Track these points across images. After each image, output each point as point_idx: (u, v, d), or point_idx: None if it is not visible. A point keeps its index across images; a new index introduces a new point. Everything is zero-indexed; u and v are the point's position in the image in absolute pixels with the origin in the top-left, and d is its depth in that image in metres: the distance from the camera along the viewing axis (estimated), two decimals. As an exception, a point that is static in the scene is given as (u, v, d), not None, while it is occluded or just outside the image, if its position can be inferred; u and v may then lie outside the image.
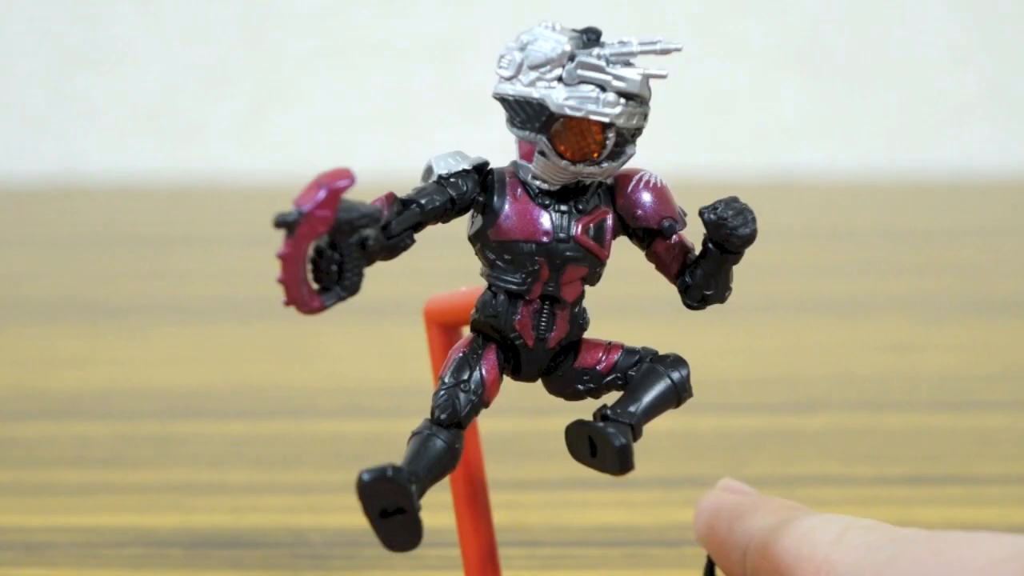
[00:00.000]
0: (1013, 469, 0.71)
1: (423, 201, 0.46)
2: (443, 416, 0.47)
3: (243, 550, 0.61)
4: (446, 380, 0.47)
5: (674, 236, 0.47)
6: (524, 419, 0.74)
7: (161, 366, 0.87)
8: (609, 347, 0.48)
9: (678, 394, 0.48)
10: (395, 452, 0.73)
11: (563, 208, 0.46)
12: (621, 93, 0.44)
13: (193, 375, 0.85)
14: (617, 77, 0.44)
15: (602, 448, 0.46)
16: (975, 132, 1.42)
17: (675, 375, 0.48)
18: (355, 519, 0.65)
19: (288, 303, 0.44)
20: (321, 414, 0.79)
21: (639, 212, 0.46)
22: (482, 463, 0.53)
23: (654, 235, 0.47)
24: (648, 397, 0.47)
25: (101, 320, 0.97)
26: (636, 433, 0.47)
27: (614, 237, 0.47)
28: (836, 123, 1.42)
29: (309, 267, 0.43)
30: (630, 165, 0.46)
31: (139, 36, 1.41)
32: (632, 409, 0.47)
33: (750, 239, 0.46)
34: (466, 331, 0.49)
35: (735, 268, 0.49)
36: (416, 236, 0.47)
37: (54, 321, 0.97)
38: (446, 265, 0.79)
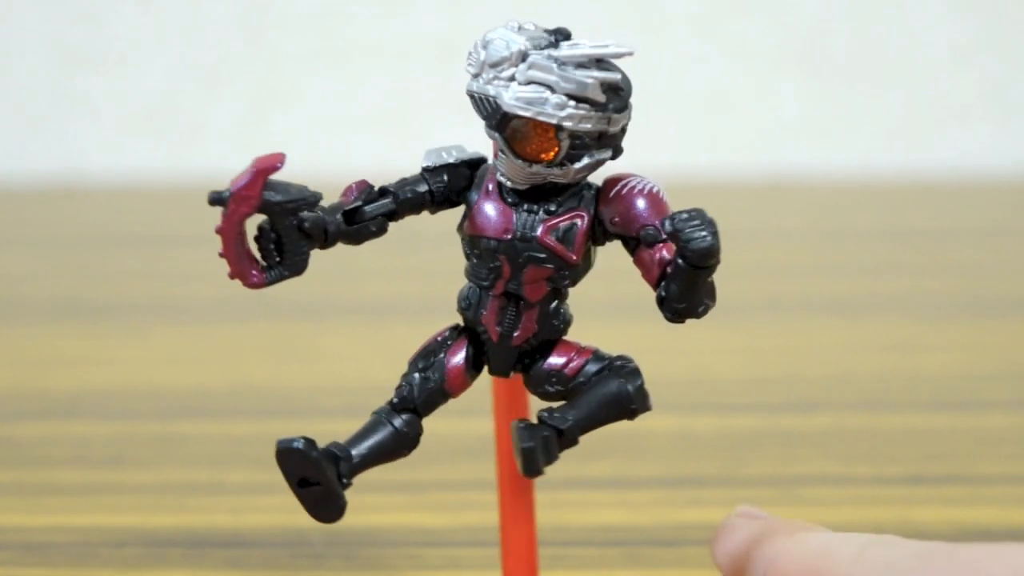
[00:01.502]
0: (1013, 469, 0.71)
1: (398, 191, 0.47)
2: (395, 400, 0.48)
3: (243, 550, 0.61)
4: (408, 367, 0.48)
5: (656, 245, 0.46)
6: (524, 419, 0.74)
7: (161, 366, 0.87)
8: (580, 351, 0.47)
9: (627, 405, 0.46)
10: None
11: (530, 208, 0.46)
12: (570, 95, 0.44)
13: (193, 375, 0.85)
14: (566, 79, 0.44)
15: (515, 447, 0.46)
16: (975, 132, 1.42)
17: (625, 386, 0.46)
18: (355, 519, 0.65)
19: (232, 276, 0.46)
20: (321, 414, 0.79)
21: (616, 218, 0.46)
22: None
23: (637, 242, 0.46)
24: (592, 405, 0.46)
25: (101, 320, 0.97)
26: (567, 438, 0.46)
27: (595, 241, 0.46)
28: (836, 123, 1.42)
29: (254, 245, 0.46)
30: (628, 169, 0.46)
31: (139, 36, 1.41)
32: (570, 415, 0.46)
33: (706, 252, 0.43)
34: None
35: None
36: (393, 224, 0.47)
37: (54, 321, 0.97)
38: (446, 265, 0.79)
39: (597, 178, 0.47)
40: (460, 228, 0.47)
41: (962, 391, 0.82)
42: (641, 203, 0.46)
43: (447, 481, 0.69)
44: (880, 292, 1.03)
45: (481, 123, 0.45)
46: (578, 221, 0.46)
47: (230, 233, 0.45)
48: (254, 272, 0.46)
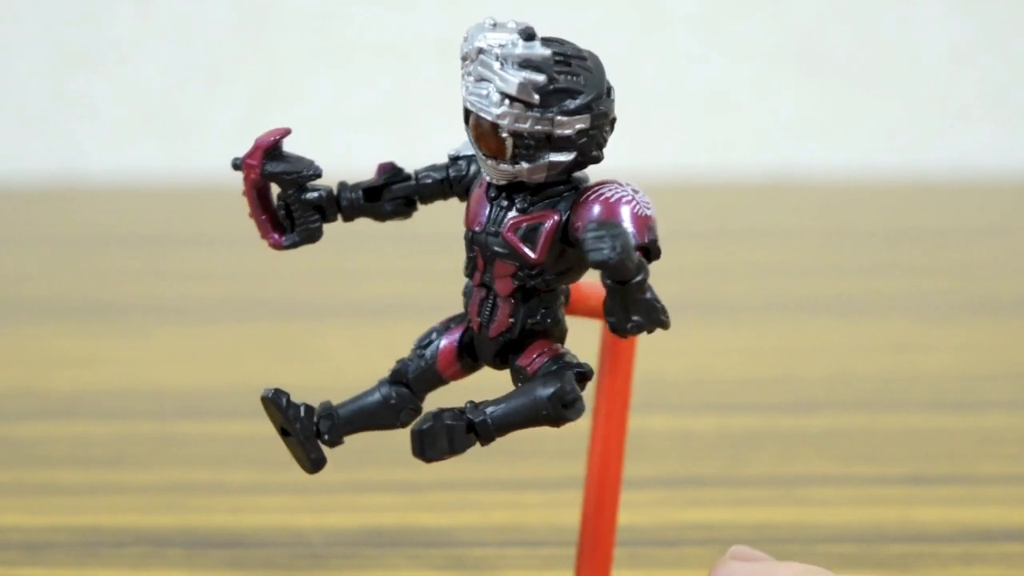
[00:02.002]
0: (1013, 469, 0.71)
1: (419, 175, 0.49)
2: (391, 371, 0.49)
3: (243, 550, 0.61)
4: (413, 343, 0.50)
5: None
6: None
7: (161, 366, 0.87)
8: (544, 352, 0.47)
9: (544, 411, 0.45)
10: (395, 451, 0.74)
11: (503, 203, 0.46)
12: (503, 94, 0.44)
13: (193, 375, 0.85)
14: (502, 78, 0.44)
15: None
16: (975, 132, 1.42)
17: (542, 391, 0.45)
18: (355, 519, 0.65)
19: (260, 236, 0.50)
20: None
21: (578, 224, 0.45)
22: (620, 467, 0.52)
23: None
24: (512, 405, 0.46)
25: (101, 320, 0.97)
26: (482, 434, 0.46)
27: (571, 244, 0.46)
28: (836, 123, 1.42)
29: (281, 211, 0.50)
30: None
31: (139, 36, 1.41)
32: (489, 409, 0.46)
33: (600, 265, 0.42)
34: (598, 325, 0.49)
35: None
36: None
37: (54, 321, 0.97)
38: (446, 265, 0.79)
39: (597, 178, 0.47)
40: None
41: (962, 391, 0.82)
42: (596, 211, 0.45)
43: (447, 481, 0.69)
44: (880, 292, 1.03)
45: None
46: (546, 222, 0.46)
47: (248, 196, 0.50)
48: (274, 235, 0.50)
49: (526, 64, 0.44)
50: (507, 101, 0.44)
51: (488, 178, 0.46)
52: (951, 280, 1.07)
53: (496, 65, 0.44)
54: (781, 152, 1.41)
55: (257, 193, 0.50)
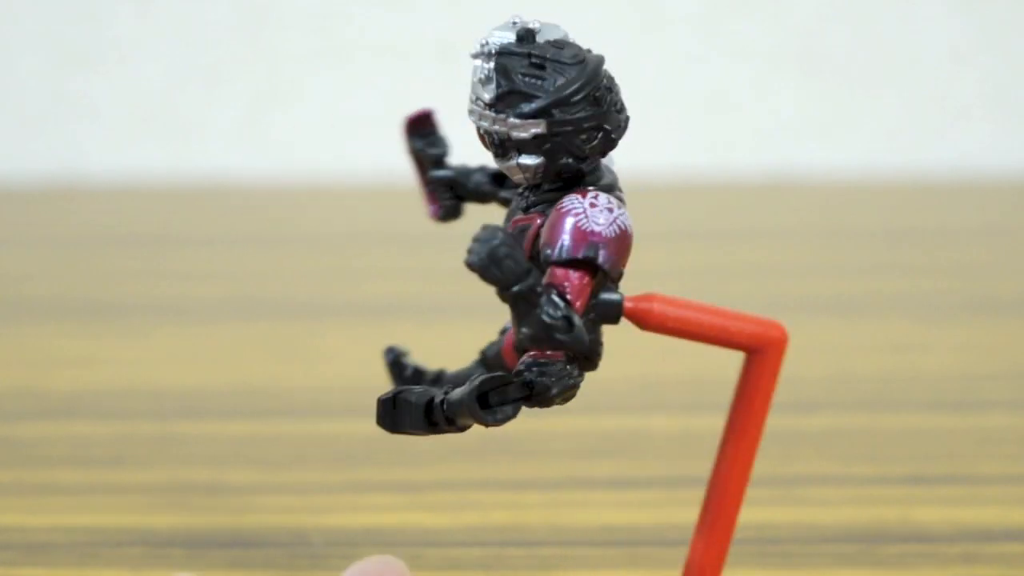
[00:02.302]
0: (1013, 469, 0.71)
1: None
2: (480, 351, 0.51)
3: (243, 550, 0.61)
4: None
5: (549, 268, 0.44)
6: (523, 419, 0.73)
7: (161, 366, 0.87)
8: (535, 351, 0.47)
9: (468, 408, 0.45)
10: (395, 451, 0.74)
11: (520, 202, 0.46)
12: (472, 90, 0.45)
13: (193, 375, 0.85)
14: (478, 81, 0.45)
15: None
16: (975, 132, 1.42)
17: (439, 395, 0.45)
18: (355, 519, 0.65)
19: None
20: (321, 414, 0.79)
21: (543, 230, 0.45)
22: (749, 473, 0.52)
23: None
24: (454, 398, 0.45)
25: (101, 320, 0.97)
26: (432, 419, 0.45)
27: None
28: (836, 123, 1.42)
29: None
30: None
31: (139, 36, 1.41)
32: (448, 396, 0.45)
33: (470, 268, 0.42)
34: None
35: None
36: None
37: (54, 321, 0.97)
38: (446, 265, 0.79)
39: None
40: None
41: (962, 391, 0.82)
42: (548, 220, 0.45)
43: (447, 481, 0.69)
44: (880, 292, 1.03)
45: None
46: (531, 224, 0.46)
47: (412, 164, 0.52)
48: (432, 206, 0.52)
49: (497, 63, 0.44)
50: (473, 97, 0.45)
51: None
52: (951, 280, 1.07)
53: (477, 61, 0.45)
54: (781, 152, 1.41)
55: (418, 164, 0.51)
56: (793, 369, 0.88)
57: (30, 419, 0.78)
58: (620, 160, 0.48)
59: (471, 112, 0.45)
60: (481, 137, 0.45)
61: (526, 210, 0.46)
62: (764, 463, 0.71)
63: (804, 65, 1.41)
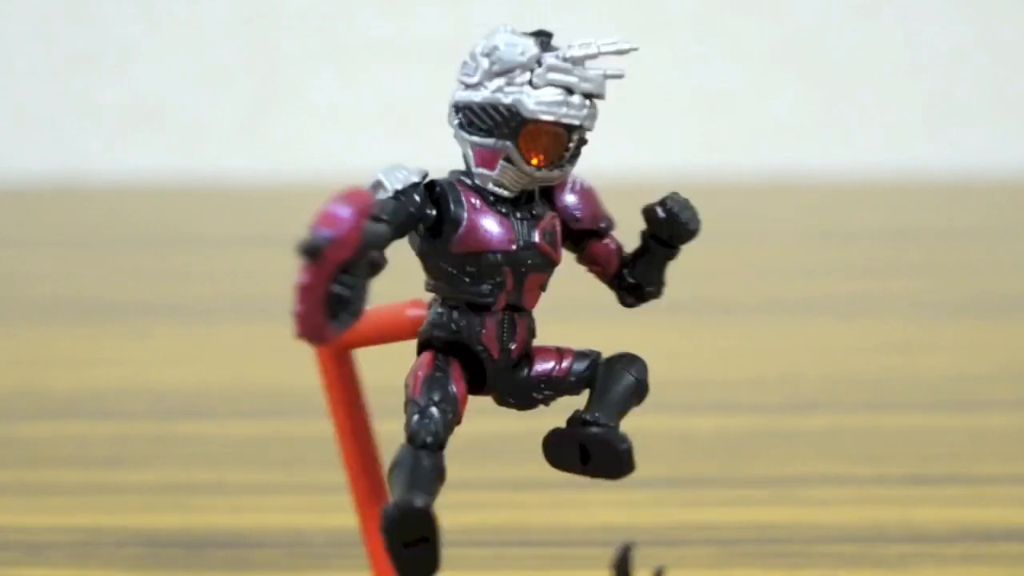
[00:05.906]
0: (1013, 469, 0.71)
1: (391, 219, 0.43)
2: (429, 439, 0.46)
3: (243, 550, 0.61)
4: (420, 402, 0.46)
5: (610, 235, 0.47)
6: (523, 419, 0.73)
7: (161, 366, 0.87)
8: (561, 353, 0.47)
9: (641, 392, 0.48)
10: (395, 451, 0.73)
11: (521, 215, 0.45)
12: (587, 95, 0.44)
13: (193, 375, 0.85)
14: (584, 79, 0.44)
15: (600, 454, 0.47)
16: (975, 132, 1.42)
17: (637, 373, 0.47)
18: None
19: (301, 335, 0.40)
20: (321, 414, 0.79)
21: (579, 214, 0.46)
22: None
23: (589, 236, 0.47)
24: (617, 398, 0.47)
25: (101, 320, 0.97)
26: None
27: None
28: (836, 123, 1.42)
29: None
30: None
31: (139, 36, 1.41)
32: (610, 412, 0.47)
33: (697, 233, 0.46)
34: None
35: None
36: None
37: (54, 321, 0.97)
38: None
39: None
40: (433, 250, 0.45)
41: (962, 391, 0.82)
42: (592, 198, 0.46)
43: (447, 481, 0.69)
44: (880, 292, 1.03)
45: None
46: (556, 222, 0.46)
47: (319, 286, 0.39)
48: (325, 326, 0.40)
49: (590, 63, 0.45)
50: (588, 101, 0.44)
51: (503, 192, 0.45)
52: (951, 280, 1.07)
53: (571, 67, 0.44)
54: (781, 152, 1.41)
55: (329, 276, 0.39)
56: (793, 369, 0.88)
57: (30, 419, 0.78)
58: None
59: (589, 117, 0.44)
60: (557, 144, 0.44)
61: (540, 216, 0.46)
62: (764, 463, 0.71)
63: (804, 65, 1.41)
